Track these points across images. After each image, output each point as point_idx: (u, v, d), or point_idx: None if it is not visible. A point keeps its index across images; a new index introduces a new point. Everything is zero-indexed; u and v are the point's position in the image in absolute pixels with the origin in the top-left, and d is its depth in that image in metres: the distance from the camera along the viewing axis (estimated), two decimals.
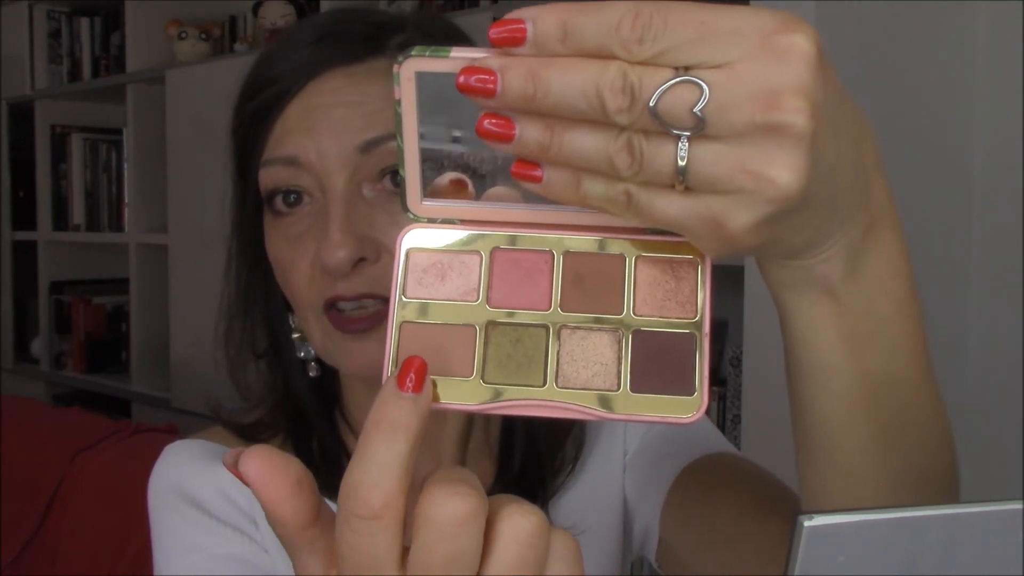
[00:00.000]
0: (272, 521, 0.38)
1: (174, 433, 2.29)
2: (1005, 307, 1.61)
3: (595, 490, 0.80)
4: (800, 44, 0.34)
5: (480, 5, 2.26)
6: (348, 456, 0.76)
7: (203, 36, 2.92)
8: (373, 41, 0.69)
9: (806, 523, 0.34)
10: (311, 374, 0.75)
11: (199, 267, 2.63)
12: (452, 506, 0.35)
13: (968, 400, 1.60)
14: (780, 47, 0.34)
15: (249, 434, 0.77)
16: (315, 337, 0.69)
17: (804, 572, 0.34)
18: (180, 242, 2.80)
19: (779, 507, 0.70)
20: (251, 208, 0.72)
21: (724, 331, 2.02)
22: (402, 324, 0.41)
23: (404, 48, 0.69)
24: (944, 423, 0.50)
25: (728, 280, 1.54)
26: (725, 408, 1.92)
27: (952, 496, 0.53)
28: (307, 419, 0.76)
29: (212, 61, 2.82)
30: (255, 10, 2.77)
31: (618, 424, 0.82)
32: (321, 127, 0.66)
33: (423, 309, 0.41)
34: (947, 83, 1.61)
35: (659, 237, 0.41)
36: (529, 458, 0.77)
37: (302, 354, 0.75)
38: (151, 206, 3.00)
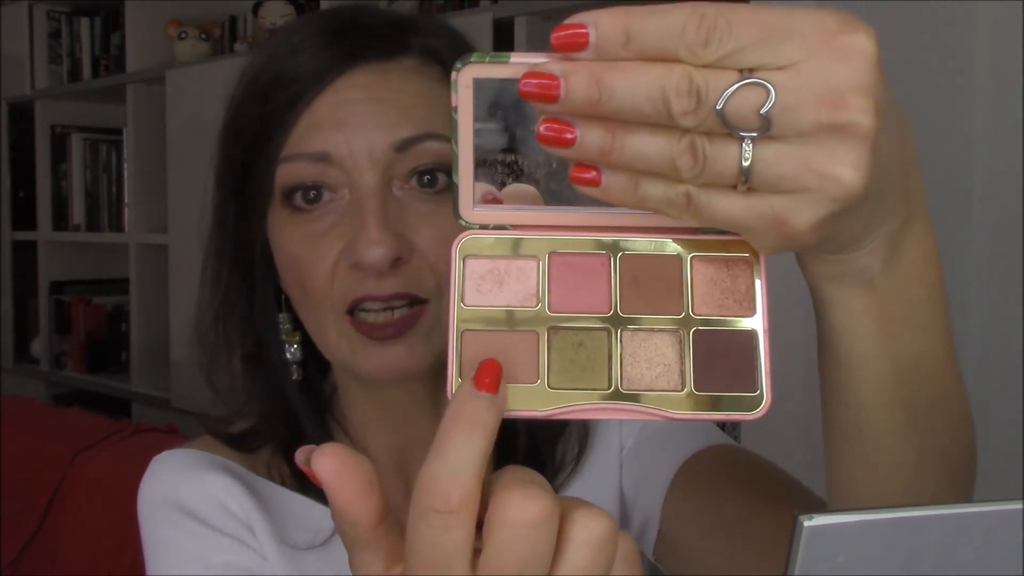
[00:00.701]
0: (341, 520, 0.38)
1: (174, 433, 2.29)
2: (1005, 307, 1.61)
3: (592, 487, 0.79)
4: (862, 43, 0.35)
5: (480, 5, 2.26)
6: None
7: (203, 36, 2.92)
8: (396, 39, 0.68)
9: (806, 523, 0.34)
10: (294, 377, 0.75)
11: (199, 267, 2.62)
12: (528, 508, 0.35)
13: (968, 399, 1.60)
14: (843, 47, 0.35)
15: (239, 442, 0.76)
16: (329, 339, 0.68)
17: (804, 572, 0.34)
18: (180, 242, 2.79)
19: (784, 497, 0.70)
20: (251, 204, 0.70)
21: None
22: (463, 332, 0.40)
23: (427, 49, 0.69)
24: (964, 401, 0.52)
25: None
26: None
27: (973, 474, 0.55)
28: (298, 424, 0.76)
29: (212, 61, 2.82)
30: (255, 10, 2.76)
31: (613, 420, 0.82)
32: (353, 122, 0.65)
33: (483, 316, 0.41)
34: (947, 83, 1.61)
35: (712, 236, 0.41)
36: (530, 458, 0.76)
37: (287, 356, 0.74)
38: (151, 206, 3.00)
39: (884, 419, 0.48)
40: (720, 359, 0.39)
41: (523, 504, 0.35)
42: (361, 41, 0.67)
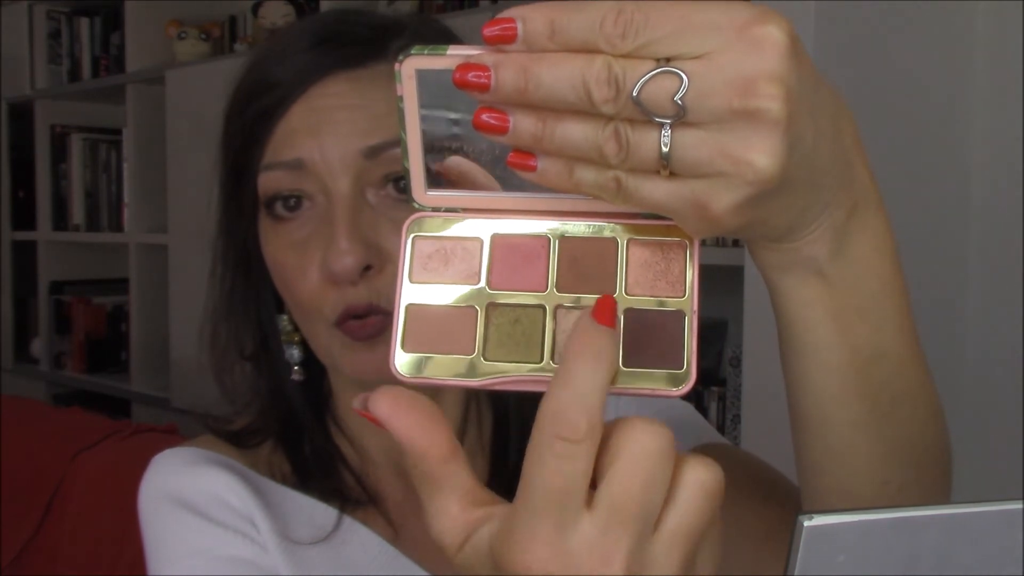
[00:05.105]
0: (410, 456, 0.39)
1: (174, 433, 2.29)
2: (1005, 307, 1.61)
3: None
4: (774, 34, 0.36)
5: (480, 5, 2.26)
6: (342, 459, 0.76)
7: (203, 36, 2.92)
8: (374, 44, 0.69)
9: (806, 523, 0.34)
10: (295, 378, 0.75)
11: (199, 267, 2.60)
12: (653, 436, 0.36)
13: (968, 400, 1.60)
14: (755, 37, 0.36)
15: (239, 440, 0.77)
16: (320, 343, 0.69)
17: (804, 572, 0.34)
18: (180, 242, 2.80)
19: (775, 493, 0.71)
20: (244, 211, 0.71)
21: (724, 331, 2.02)
22: (408, 307, 0.43)
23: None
24: (933, 394, 0.52)
25: (728, 280, 1.54)
26: (725, 408, 1.92)
27: (944, 467, 0.55)
28: (298, 422, 0.76)
29: (212, 61, 2.82)
30: (255, 10, 2.76)
31: (611, 411, 0.82)
32: (325, 130, 0.66)
33: (428, 292, 0.43)
34: (947, 83, 1.61)
35: (650, 221, 0.42)
36: (523, 456, 0.76)
37: (287, 356, 0.75)
38: (151, 206, 3.01)
39: (845, 411, 0.48)
40: (649, 337, 0.41)
41: (648, 432, 0.36)
42: (338, 48, 0.68)
